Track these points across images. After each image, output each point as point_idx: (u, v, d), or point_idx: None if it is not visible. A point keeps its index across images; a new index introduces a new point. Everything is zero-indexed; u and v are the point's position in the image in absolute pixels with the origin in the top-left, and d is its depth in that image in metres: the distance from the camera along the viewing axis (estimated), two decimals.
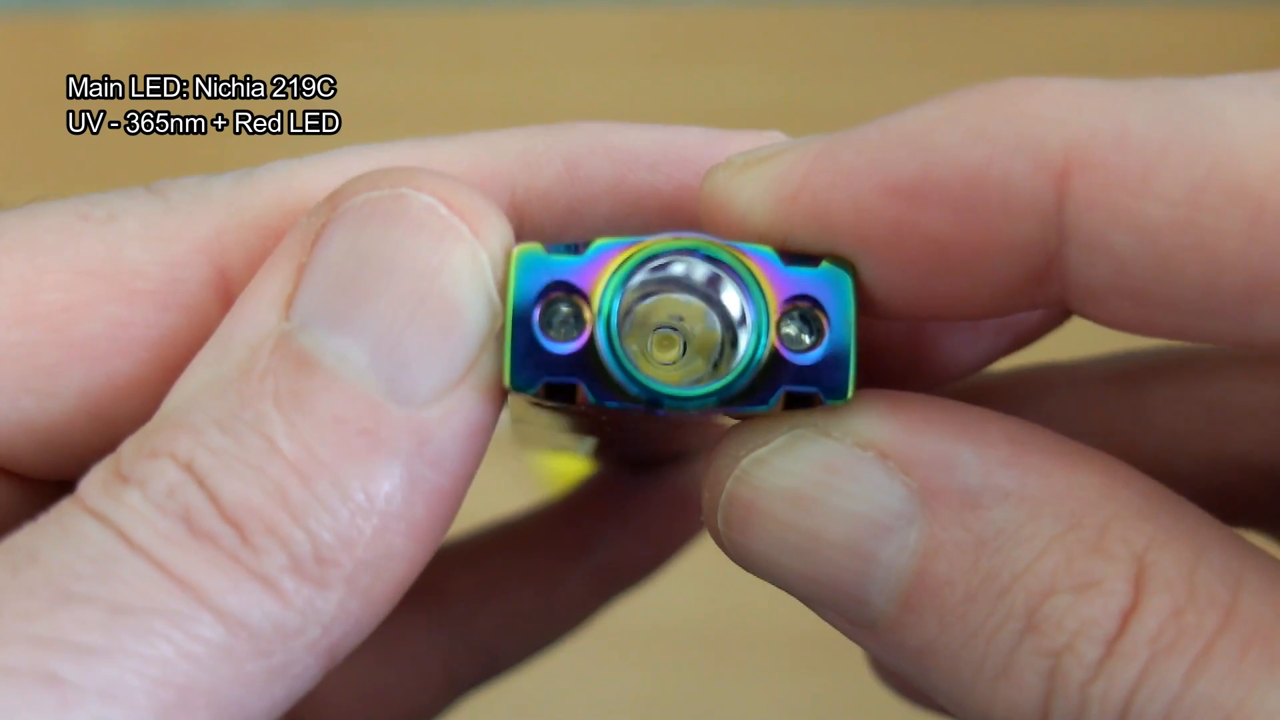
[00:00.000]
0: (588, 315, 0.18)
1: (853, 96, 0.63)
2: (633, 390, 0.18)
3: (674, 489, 0.29)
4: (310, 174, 0.20)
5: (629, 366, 0.18)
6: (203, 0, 0.71)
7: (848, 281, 0.18)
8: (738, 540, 0.19)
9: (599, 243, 0.18)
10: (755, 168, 0.18)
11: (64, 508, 0.17)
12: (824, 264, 0.18)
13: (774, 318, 0.18)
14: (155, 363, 0.19)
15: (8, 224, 0.20)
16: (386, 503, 0.17)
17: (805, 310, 0.18)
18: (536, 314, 0.18)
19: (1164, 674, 0.17)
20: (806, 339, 0.18)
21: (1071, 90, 0.17)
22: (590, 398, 0.18)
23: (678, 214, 0.20)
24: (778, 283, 0.18)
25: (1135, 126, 0.16)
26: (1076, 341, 0.24)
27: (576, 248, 0.18)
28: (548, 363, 0.18)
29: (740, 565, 0.19)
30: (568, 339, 0.18)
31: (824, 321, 0.18)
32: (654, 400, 0.18)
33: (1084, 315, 0.18)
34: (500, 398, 0.18)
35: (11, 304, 0.19)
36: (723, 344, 0.19)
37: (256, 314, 0.18)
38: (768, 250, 0.18)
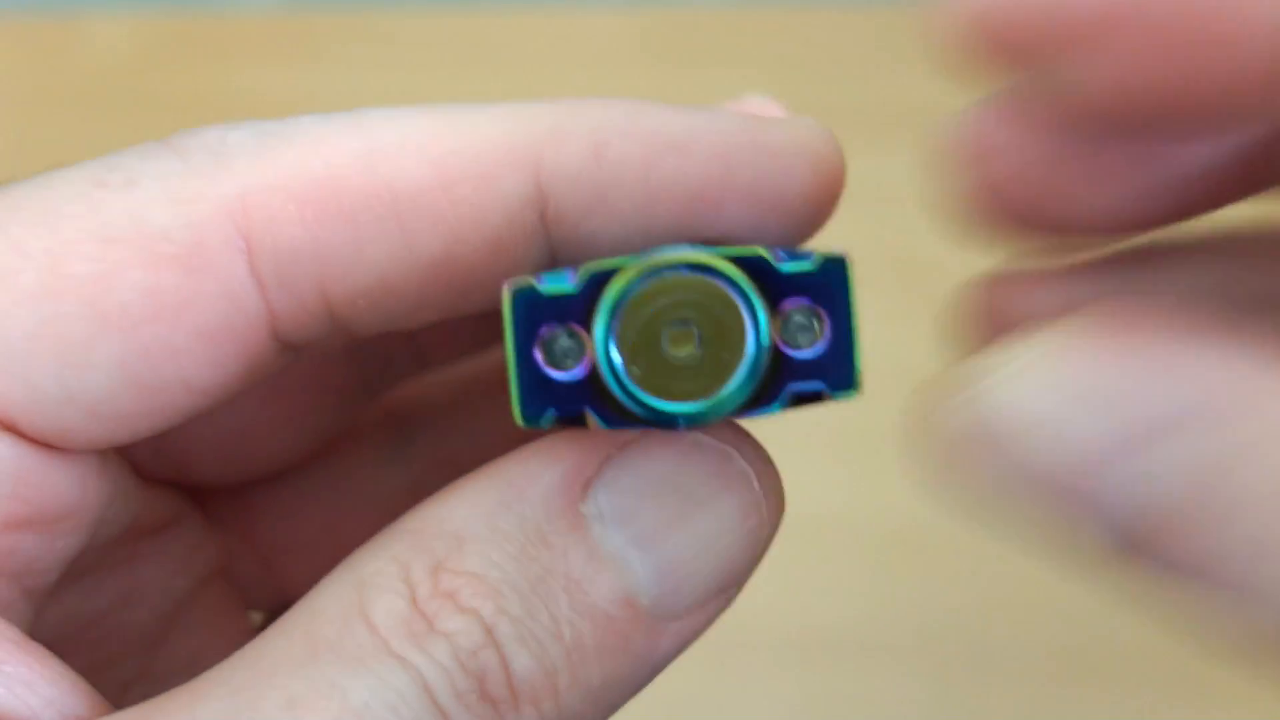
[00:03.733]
0: (587, 343, 0.18)
1: (853, 97, 0.63)
2: (639, 412, 0.18)
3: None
4: (337, 139, 0.20)
5: (632, 389, 0.18)
6: (204, 1, 0.71)
7: (844, 271, 0.18)
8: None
9: (589, 268, 0.18)
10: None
11: (363, 642, 0.18)
12: (816, 256, 0.18)
13: (772, 319, 0.18)
14: (187, 327, 0.19)
15: (24, 196, 0.19)
16: (606, 692, 0.19)
17: (803, 307, 0.18)
18: (538, 349, 0.18)
19: None
20: (807, 335, 0.18)
21: None
22: (600, 423, 0.18)
23: (703, 201, 0.20)
24: (772, 283, 0.18)
25: None
26: None
27: (569, 276, 0.18)
28: (555, 394, 0.18)
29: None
30: (572, 368, 0.18)
31: (823, 315, 0.18)
32: (660, 419, 0.18)
33: None
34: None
35: (39, 279, 0.19)
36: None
37: (545, 474, 0.19)
38: (758, 252, 0.18)
